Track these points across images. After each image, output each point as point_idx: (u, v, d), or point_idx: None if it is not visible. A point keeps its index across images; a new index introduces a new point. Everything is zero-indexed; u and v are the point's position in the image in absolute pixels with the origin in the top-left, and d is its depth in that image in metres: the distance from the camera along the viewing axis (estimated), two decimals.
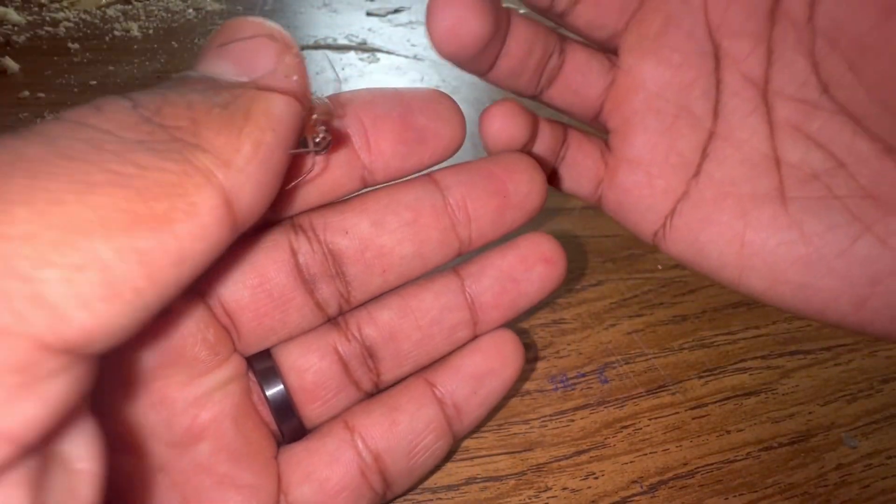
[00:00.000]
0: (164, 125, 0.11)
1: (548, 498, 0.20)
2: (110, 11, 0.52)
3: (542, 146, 0.20)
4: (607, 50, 0.19)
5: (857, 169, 0.17)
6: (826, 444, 0.22)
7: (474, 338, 0.19)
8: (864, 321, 0.17)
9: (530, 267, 0.19)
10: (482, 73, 0.18)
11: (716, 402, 0.24)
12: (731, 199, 0.18)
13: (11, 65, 0.42)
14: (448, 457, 0.21)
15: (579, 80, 0.19)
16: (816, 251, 0.17)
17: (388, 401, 0.18)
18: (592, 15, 0.18)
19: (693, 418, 0.23)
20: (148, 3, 0.54)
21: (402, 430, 0.18)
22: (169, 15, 0.53)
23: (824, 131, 0.17)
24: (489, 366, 0.19)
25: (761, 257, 0.17)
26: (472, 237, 0.19)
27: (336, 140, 0.16)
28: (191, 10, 0.53)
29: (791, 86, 0.17)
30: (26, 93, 0.39)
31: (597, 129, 0.20)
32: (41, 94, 0.39)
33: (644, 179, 0.19)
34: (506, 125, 0.18)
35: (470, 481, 0.21)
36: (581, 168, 0.20)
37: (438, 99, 0.18)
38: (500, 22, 0.17)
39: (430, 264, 0.18)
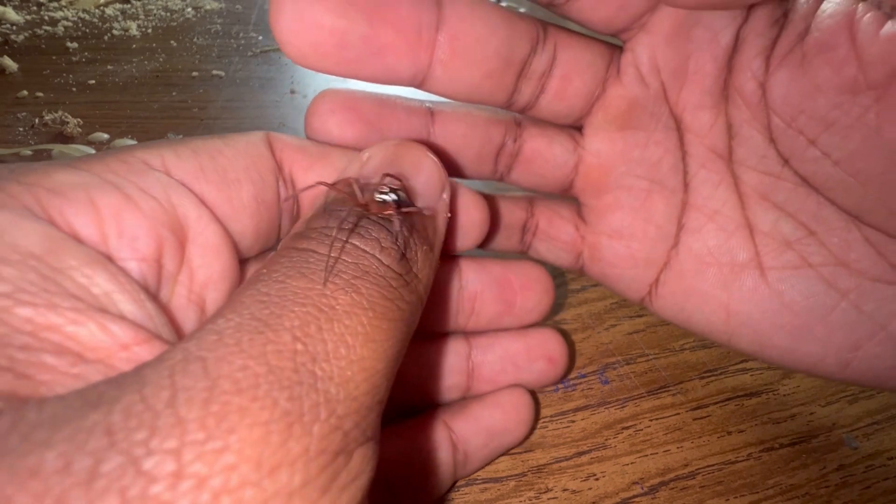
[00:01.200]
0: None
1: (548, 499, 0.20)
2: (109, 10, 0.52)
3: (504, 223, 0.20)
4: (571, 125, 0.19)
5: (826, 237, 0.17)
6: (827, 444, 0.22)
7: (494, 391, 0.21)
8: (851, 379, 0.17)
9: (534, 360, 0.21)
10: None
11: (717, 403, 0.24)
12: (712, 270, 0.18)
13: (10, 64, 0.41)
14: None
15: (541, 164, 0.19)
16: (798, 319, 0.17)
17: (404, 433, 0.19)
18: (557, 106, 0.18)
19: (694, 419, 0.23)
20: (147, 2, 0.54)
21: (415, 470, 0.19)
22: (168, 14, 0.52)
23: (790, 201, 0.17)
24: (505, 424, 0.20)
25: (748, 326, 0.18)
26: (467, 326, 0.20)
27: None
28: (190, 9, 0.53)
29: (752, 158, 0.17)
30: (24, 92, 0.39)
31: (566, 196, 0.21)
32: (39, 94, 0.39)
33: (625, 252, 0.19)
34: (336, 123, 0.17)
35: (470, 482, 0.21)
36: (557, 242, 0.21)
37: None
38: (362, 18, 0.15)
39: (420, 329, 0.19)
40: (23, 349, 0.10)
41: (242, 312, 0.10)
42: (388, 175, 0.14)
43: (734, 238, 0.18)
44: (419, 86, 0.17)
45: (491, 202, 0.19)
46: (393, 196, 0.14)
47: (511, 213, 0.21)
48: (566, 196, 0.21)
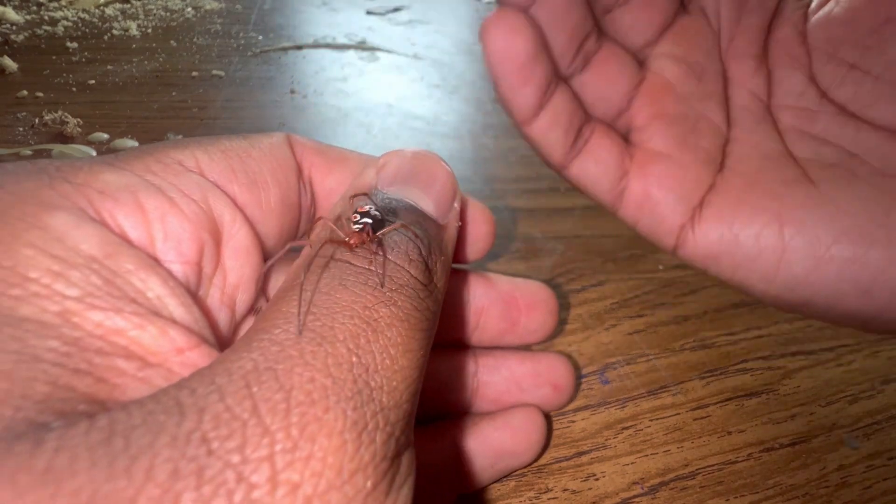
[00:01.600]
0: None
1: (548, 499, 0.20)
2: (109, 10, 0.52)
3: (561, 120, 0.19)
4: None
5: (868, 157, 0.18)
6: (827, 445, 0.22)
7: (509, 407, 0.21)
8: None
9: (540, 385, 0.21)
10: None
11: (717, 403, 0.24)
12: (761, 185, 0.18)
13: (10, 64, 0.41)
14: None
15: (614, 69, 0.19)
16: (856, 223, 0.16)
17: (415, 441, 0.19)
18: (633, 19, 0.19)
19: (694, 419, 0.23)
20: (147, 2, 0.54)
21: (419, 483, 0.18)
22: (168, 14, 0.52)
23: (829, 130, 0.18)
24: (514, 447, 0.20)
25: (803, 235, 0.17)
26: (471, 339, 0.20)
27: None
28: (189, 9, 0.53)
29: (790, 97, 0.19)
30: (24, 92, 0.39)
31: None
32: (39, 94, 0.39)
33: (675, 170, 0.19)
34: (509, 42, 0.16)
35: None
36: (604, 160, 0.20)
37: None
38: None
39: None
40: (98, 353, 0.10)
41: (295, 323, 0.11)
42: (356, 195, 0.14)
43: (780, 161, 0.18)
44: None
45: (541, 35, 0.19)
46: (367, 220, 0.13)
47: (572, 112, 0.19)
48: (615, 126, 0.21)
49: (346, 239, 0.13)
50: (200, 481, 0.08)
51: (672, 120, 0.19)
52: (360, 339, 0.11)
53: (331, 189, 0.17)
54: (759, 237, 0.17)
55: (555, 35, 0.18)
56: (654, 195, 0.19)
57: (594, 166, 0.19)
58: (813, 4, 0.19)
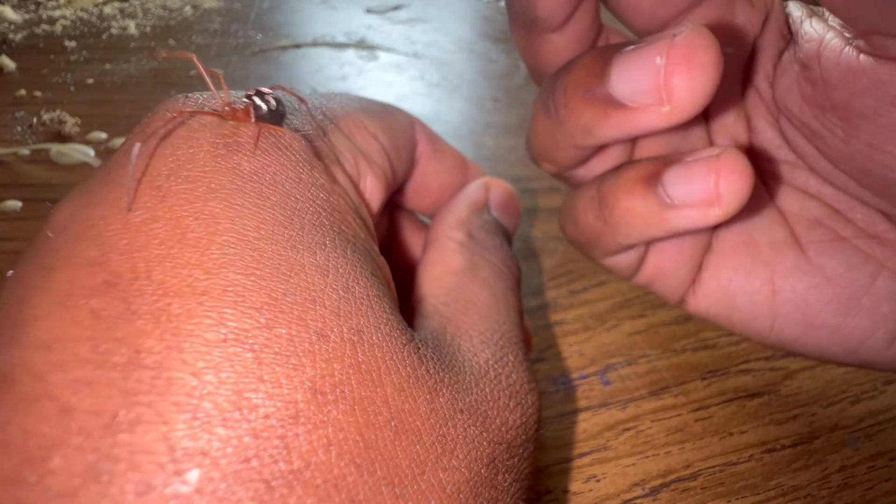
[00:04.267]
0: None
1: (549, 500, 0.20)
2: (107, 9, 0.52)
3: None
4: None
5: (850, 214, 0.18)
6: (829, 445, 0.22)
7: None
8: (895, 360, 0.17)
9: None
10: None
11: (719, 404, 0.23)
12: (752, 249, 0.18)
13: (8, 63, 0.41)
14: None
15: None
16: (844, 292, 0.17)
17: None
18: None
19: (696, 420, 0.23)
20: (145, 0, 0.54)
21: None
22: (166, 13, 0.52)
23: (810, 185, 0.18)
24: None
25: (793, 303, 0.18)
26: None
27: None
28: (188, 8, 0.53)
29: (770, 149, 0.18)
30: (22, 91, 0.39)
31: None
32: (37, 93, 0.39)
33: (661, 256, 0.19)
34: None
35: None
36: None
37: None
38: None
39: None
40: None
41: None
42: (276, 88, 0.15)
43: (766, 220, 0.18)
44: None
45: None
46: (268, 105, 0.13)
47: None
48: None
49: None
50: None
51: None
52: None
53: (426, 173, 0.20)
54: (753, 303, 0.18)
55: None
56: (665, 267, 0.19)
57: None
58: (781, 59, 0.17)
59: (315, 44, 0.49)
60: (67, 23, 0.49)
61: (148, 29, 0.49)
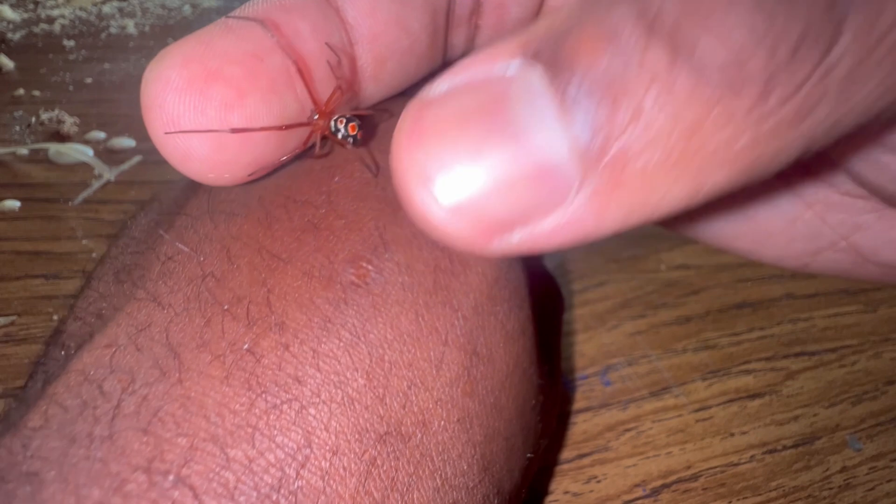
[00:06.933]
0: None
1: (550, 501, 0.20)
2: (106, 8, 0.51)
3: None
4: None
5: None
6: (830, 446, 0.22)
7: None
8: (806, 272, 0.17)
9: None
10: None
11: (720, 405, 0.23)
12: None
13: (6, 62, 0.41)
14: None
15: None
16: (760, 228, 0.16)
17: None
18: None
19: (697, 421, 0.23)
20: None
21: None
22: (165, 12, 0.52)
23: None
24: None
25: (712, 230, 0.17)
26: None
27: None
28: (187, 7, 0.53)
29: None
30: (21, 90, 0.39)
31: None
32: (36, 92, 0.39)
33: None
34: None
35: None
36: None
37: None
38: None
39: None
40: None
41: None
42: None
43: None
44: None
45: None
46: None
47: None
48: None
49: None
50: None
51: None
52: None
53: None
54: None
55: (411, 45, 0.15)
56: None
57: None
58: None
59: None
60: (66, 22, 0.49)
61: (147, 28, 0.49)
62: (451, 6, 0.14)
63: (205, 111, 0.11)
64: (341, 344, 0.11)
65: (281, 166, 0.14)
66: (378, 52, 0.13)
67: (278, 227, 0.12)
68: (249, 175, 0.13)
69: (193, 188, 0.14)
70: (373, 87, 0.14)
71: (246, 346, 0.11)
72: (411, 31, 0.13)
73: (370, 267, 0.12)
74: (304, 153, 0.14)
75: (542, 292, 0.16)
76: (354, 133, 0.13)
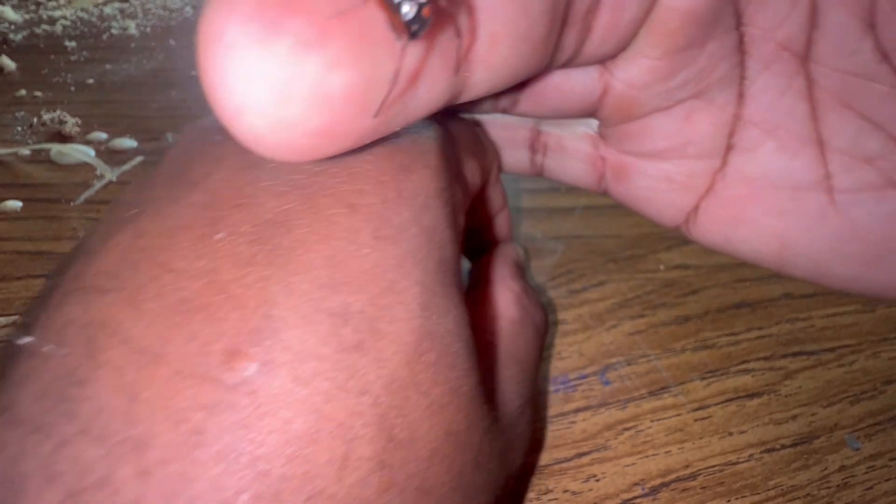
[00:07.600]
0: None
1: (549, 500, 0.20)
2: (108, 9, 0.52)
3: (507, 142, 0.19)
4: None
5: None
6: (829, 445, 0.22)
7: None
8: None
9: None
10: None
11: (718, 404, 0.23)
12: (767, 195, 0.15)
13: (8, 63, 0.41)
14: None
15: (556, 97, 0.16)
16: (871, 249, 0.14)
17: None
18: None
19: (695, 420, 0.23)
20: (146, 0, 0.54)
21: None
22: (167, 13, 0.52)
23: (881, 109, 0.14)
24: None
25: (805, 257, 0.15)
26: None
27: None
28: (189, 8, 0.53)
29: (839, 54, 0.13)
30: (23, 91, 0.39)
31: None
32: (38, 93, 0.39)
33: (657, 174, 0.16)
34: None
35: None
36: (573, 159, 0.18)
37: None
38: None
39: None
40: None
41: None
42: None
43: (798, 158, 0.15)
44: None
45: (490, 126, 0.19)
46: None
47: (514, 132, 0.18)
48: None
49: None
50: None
51: (650, 121, 0.16)
52: None
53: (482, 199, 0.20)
54: (757, 253, 0.16)
55: None
56: (639, 201, 0.17)
57: (565, 174, 0.19)
58: None
59: None
60: (68, 23, 0.49)
61: (148, 29, 0.49)
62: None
63: (274, 49, 0.08)
64: (217, 462, 0.09)
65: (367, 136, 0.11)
66: (494, 28, 0.11)
67: (149, 309, 0.10)
68: (321, 146, 0.10)
69: (79, 249, 0.12)
70: (481, 72, 0.11)
71: (98, 477, 0.09)
72: (531, 13, 0.11)
73: (251, 358, 0.09)
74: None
75: (519, 316, 0.17)
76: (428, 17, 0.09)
